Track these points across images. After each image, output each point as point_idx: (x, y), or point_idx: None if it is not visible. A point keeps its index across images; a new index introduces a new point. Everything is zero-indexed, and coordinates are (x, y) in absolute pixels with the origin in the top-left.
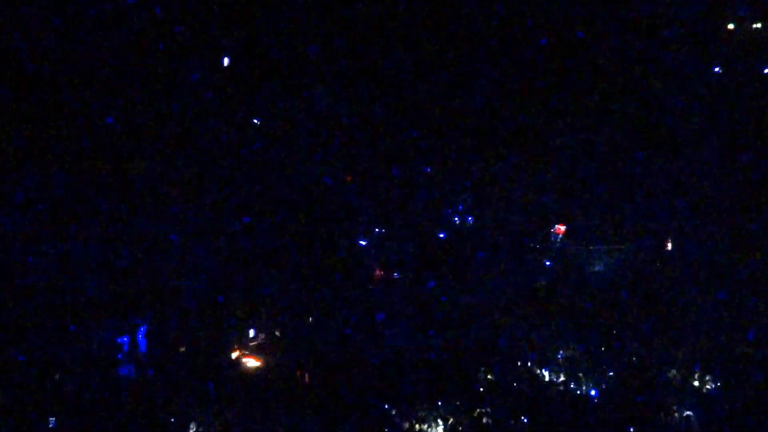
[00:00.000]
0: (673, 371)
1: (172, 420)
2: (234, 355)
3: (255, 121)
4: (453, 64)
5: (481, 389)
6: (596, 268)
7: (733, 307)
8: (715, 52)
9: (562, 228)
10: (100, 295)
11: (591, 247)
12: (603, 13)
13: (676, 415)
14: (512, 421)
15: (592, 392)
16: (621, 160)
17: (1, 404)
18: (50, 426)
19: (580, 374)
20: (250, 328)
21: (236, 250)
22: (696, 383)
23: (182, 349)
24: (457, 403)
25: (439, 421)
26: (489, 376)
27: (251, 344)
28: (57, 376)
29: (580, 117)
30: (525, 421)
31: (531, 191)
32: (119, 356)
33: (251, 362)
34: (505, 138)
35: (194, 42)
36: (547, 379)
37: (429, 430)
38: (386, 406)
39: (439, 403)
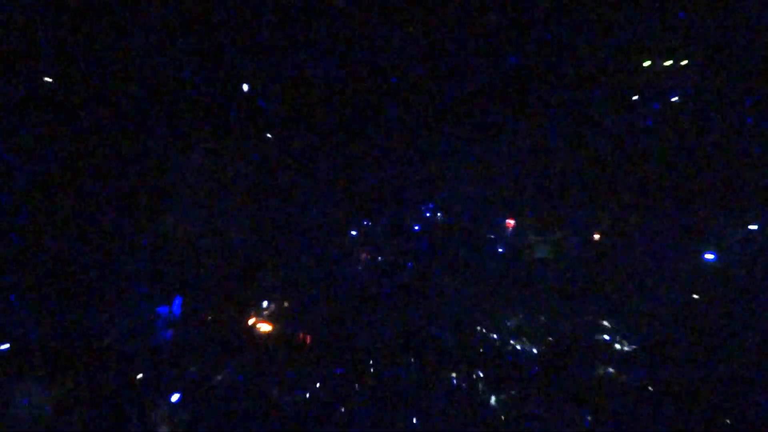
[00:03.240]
0: (600, 336)
1: (202, 372)
2: (251, 321)
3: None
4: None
5: (446, 350)
6: (538, 255)
7: (650, 281)
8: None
9: (512, 222)
10: (145, 273)
11: (535, 238)
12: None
13: (600, 371)
14: (469, 376)
15: (535, 352)
16: (561, 168)
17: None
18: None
19: (524, 339)
20: (263, 300)
21: (253, 241)
22: (618, 346)
23: (209, 317)
24: (426, 361)
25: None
26: (453, 339)
27: (264, 313)
28: (107, 340)
29: (528, 126)
30: (481, 375)
31: (488, 193)
32: (159, 322)
33: (264, 326)
34: (466, 148)
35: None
36: (497, 342)
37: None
38: (371, 362)
39: (412, 360)
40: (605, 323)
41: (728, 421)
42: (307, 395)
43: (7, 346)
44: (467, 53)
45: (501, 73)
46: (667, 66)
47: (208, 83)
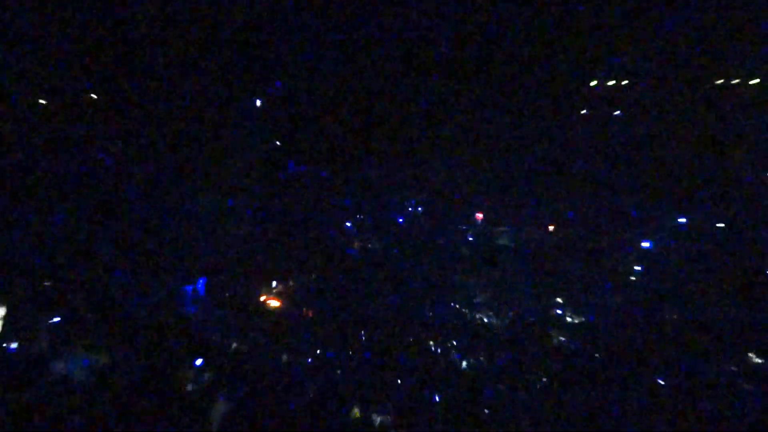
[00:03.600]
0: (554, 310)
1: (224, 338)
2: (262, 298)
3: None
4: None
5: (425, 322)
6: (501, 242)
7: (597, 265)
8: None
9: (480, 215)
10: (175, 258)
11: (499, 229)
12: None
13: (555, 340)
14: (444, 343)
15: (499, 323)
16: (522, 171)
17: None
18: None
19: (491, 313)
20: (272, 280)
21: (265, 233)
22: (569, 318)
23: (227, 294)
24: (409, 331)
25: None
26: (431, 314)
27: (274, 291)
28: (143, 313)
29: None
30: (454, 343)
31: (461, 191)
32: (187, 299)
33: (273, 303)
34: (442, 156)
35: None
36: (468, 316)
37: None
38: (362, 332)
39: (396, 330)
40: (558, 300)
41: (661, 382)
42: (309, 360)
43: (58, 319)
44: (440, 80)
45: (470, 93)
46: (610, 85)
47: (229, 97)
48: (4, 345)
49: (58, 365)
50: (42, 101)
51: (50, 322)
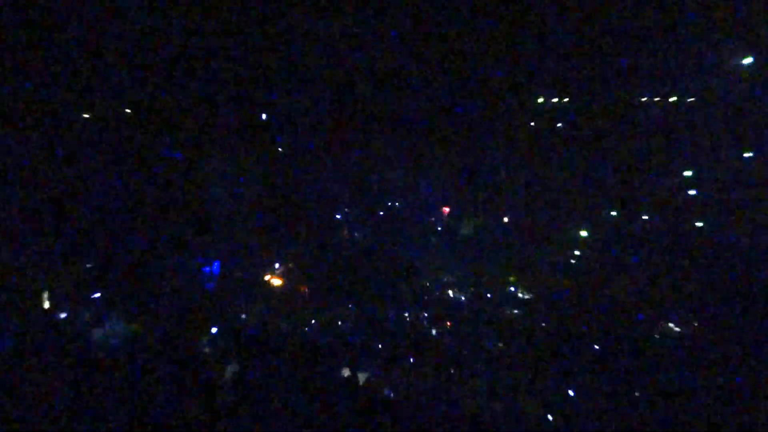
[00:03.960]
0: (507, 288)
1: (235, 310)
2: (267, 277)
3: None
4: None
5: (401, 297)
6: (465, 231)
7: (543, 249)
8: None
9: (447, 210)
10: (195, 245)
11: (463, 221)
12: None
13: (508, 313)
14: (416, 315)
15: (463, 299)
16: (481, 173)
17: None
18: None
19: (456, 289)
20: (275, 262)
21: (268, 223)
22: (520, 295)
23: (238, 274)
24: (388, 304)
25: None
26: (406, 291)
27: (276, 272)
28: (167, 287)
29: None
30: (425, 315)
31: (430, 189)
32: (204, 278)
33: (276, 281)
34: (415, 160)
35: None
36: (437, 292)
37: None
38: (350, 306)
39: (377, 305)
40: (512, 279)
41: (597, 347)
42: (306, 329)
43: (98, 294)
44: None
45: (442, 112)
46: (554, 102)
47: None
48: (55, 315)
49: (99, 332)
50: (85, 115)
51: (93, 296)
